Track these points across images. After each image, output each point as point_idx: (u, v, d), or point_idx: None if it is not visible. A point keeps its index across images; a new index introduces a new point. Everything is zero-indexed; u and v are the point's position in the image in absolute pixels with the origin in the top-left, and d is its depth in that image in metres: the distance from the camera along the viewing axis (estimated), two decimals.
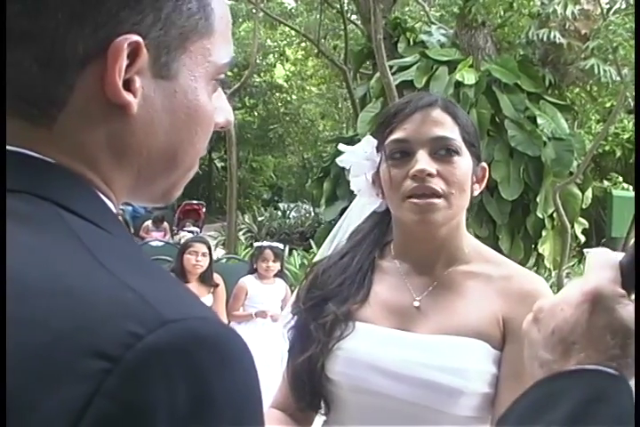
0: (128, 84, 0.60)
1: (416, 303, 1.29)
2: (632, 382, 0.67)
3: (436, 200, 1.22)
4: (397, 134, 1.28)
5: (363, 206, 1.47)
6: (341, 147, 1.41)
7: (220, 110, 0.71)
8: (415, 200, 1.23)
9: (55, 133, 0.60)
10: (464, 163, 1.27)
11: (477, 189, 1.32)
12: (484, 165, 1.34)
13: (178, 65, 0.63)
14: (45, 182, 0.59)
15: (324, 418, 1.35)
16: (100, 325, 0.48)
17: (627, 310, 0.68)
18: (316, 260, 1.51)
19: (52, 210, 0.57)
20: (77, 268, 0.52)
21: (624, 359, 0.67)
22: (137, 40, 0.59)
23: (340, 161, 1.41)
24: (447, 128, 1.27)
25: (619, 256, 0.72)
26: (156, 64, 0.61)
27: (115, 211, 0.64)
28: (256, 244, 5.72)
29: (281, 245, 5.44)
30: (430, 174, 1.23)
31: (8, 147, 0.59)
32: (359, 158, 1.35)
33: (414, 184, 1.23)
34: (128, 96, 0.60)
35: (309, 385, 1.29)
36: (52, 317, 0.48)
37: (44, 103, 0.59)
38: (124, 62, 0.58)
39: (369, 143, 1.35)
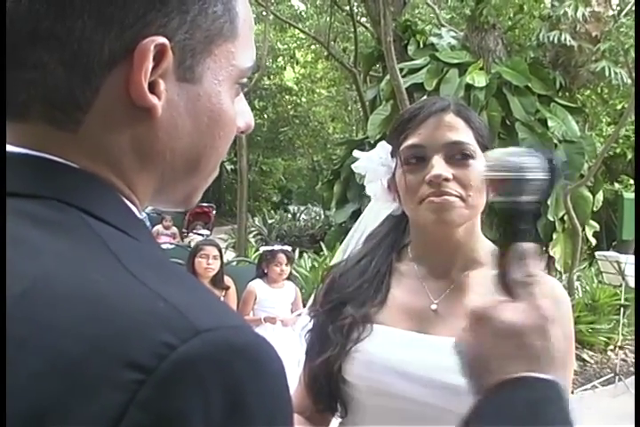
0: (152, 87, 0.59)
1: (433, 306, 1.29)
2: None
3: (452, 198, 1.23)
4: (412, 140, 1.28)
5: (378, 210, 1.47)
6: (356, 153, 1.42)
7: (241, 114, 0.70)
8: (432, 198, 1.23)
9: (79, 137, 0.59)
10: (479, 166, 1.27)
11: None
12: None
13: (202, 68, 0.62)
14: (70, 188, 0.58)
15: (339, 420, 1.35)
16: (132, 335, 0.47)
17: (503, 312, 0.76)
18: (332, 263, 1.52)
19: (77, 216, 0.56)
20: (107, 276, 0.51)
21: (539, 358, 0.73)
22: (163, 42, 0.58)
23: (355, 167, 1.41)
24: (461, 132, 1.28)
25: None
26: (180, 67, 0.61)
27: (139, 216, 0.63)
28: (263, 248, 5.71)
29: (290, 248, 5.45)
30: (446, 179, 1.23)
31: (32, 152, 0.58)
32: (374, 164, 1.36)
33: (431, 189, 1.24)
34: (153, 99, 0.59)
35: (327, 387, 1.29)
36: (85, 324, 0.48)
37: (69, 107, 0.58)
38: (150, 64, 0.58)
39: (384, 149, 1.35)
